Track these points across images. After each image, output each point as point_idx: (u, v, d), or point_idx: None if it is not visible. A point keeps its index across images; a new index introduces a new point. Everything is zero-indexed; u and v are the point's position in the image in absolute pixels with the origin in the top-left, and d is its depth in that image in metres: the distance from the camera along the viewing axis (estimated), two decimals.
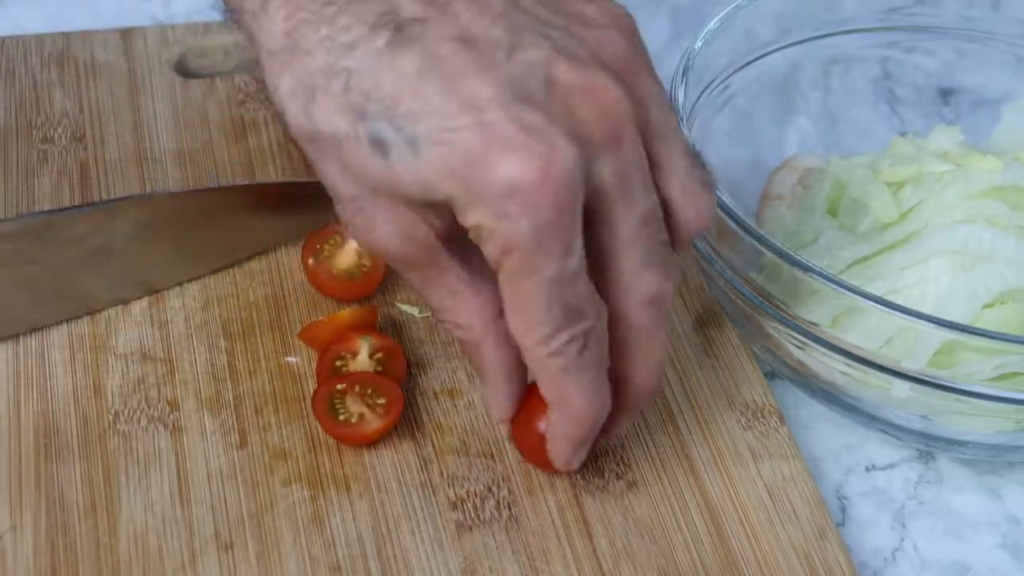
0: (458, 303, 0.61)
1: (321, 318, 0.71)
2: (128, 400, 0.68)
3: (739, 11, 0.76)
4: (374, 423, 0.66)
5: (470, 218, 0.56)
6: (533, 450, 0.64)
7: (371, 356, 0.69)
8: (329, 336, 0.69)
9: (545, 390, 0.61)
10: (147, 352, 0.70)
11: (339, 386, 0.67)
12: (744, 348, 0.73)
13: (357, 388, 0.67)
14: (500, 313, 0.60)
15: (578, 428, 0.62)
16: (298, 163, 0.80)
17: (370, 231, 0.60)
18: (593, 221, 0.58)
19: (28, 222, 0.68)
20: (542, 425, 0.63)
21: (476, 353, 0.63)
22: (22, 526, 0.63)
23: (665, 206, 0.59)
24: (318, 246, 0.72)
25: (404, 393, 0.68)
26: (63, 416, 0.67)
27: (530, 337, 0.59)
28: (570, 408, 0.61)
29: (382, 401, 0.66)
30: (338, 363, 0.68)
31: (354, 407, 0.66)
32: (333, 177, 0.60)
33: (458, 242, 0.60)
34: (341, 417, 0.66)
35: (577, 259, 0.57)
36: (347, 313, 0.70)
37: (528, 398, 0.63)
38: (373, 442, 0.66)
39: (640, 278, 0.59)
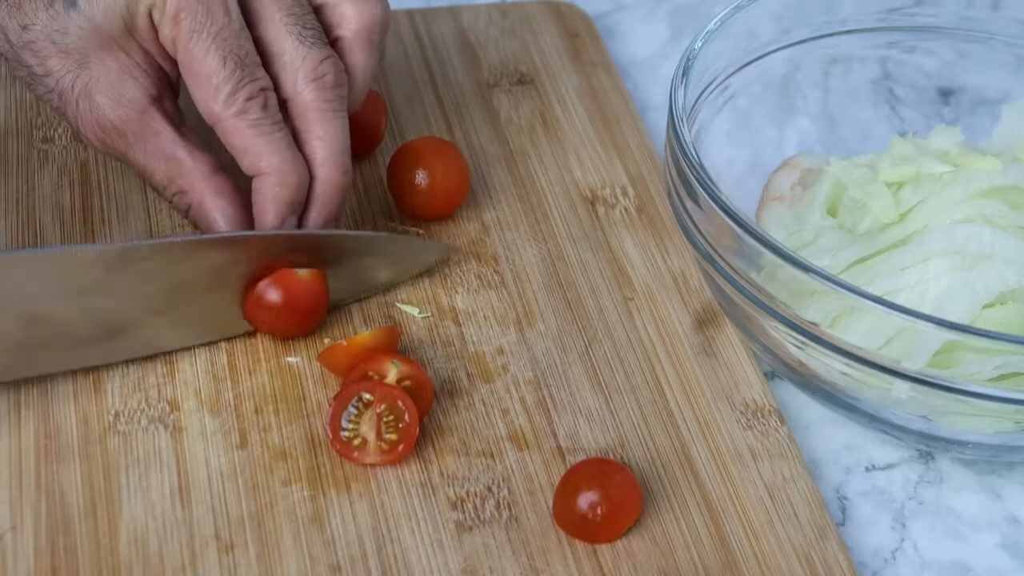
0: (178, 168, 0.69)
1: (340, 341, 0.69)
2: (128, 400, 0.68)
3: (739, 11, 0.76)
4: (372, 456, 0.65)
5: (142, 6, 0.66)
6: (574, 525, 0.64)
7: (398, 382, 0.67)
8: (349, 360, 0.68)
9: (245, 160, 0.68)
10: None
11: (366, 396, 0.66)
12: (744, 348, 0.73)
13: (382, 407, 0.65)
14: (216, 169, 0.69)
15: (286, 189, 0.68)
16: None
17: (89, 107, 0.68)
18: (249, 14, 0.68)
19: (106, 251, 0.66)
20: (581, 502, 0.63)
21: (200, 212, 0.69)
22: (22, 526, 0.63)
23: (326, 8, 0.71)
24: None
25: (419, 434, 0.66)
26: (63, 416, 0.67)
27: (216, 102, 0.67)
28: (274, 170, 0.67)
29: (392, 437, 0.66)
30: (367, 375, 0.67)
31: (365, 428, 0.66)
32: (52, 67, 0.68)
33: (167, 112, 0.69)
34: (345, 433, 0.65)
35: (237, 17, 0.67)
36: (367, 336, 0.69)
37: (567, 480, 0.64)
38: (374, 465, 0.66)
39: (298, 55, 0.68)
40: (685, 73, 0.72)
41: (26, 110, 0.81)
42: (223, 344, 0.71)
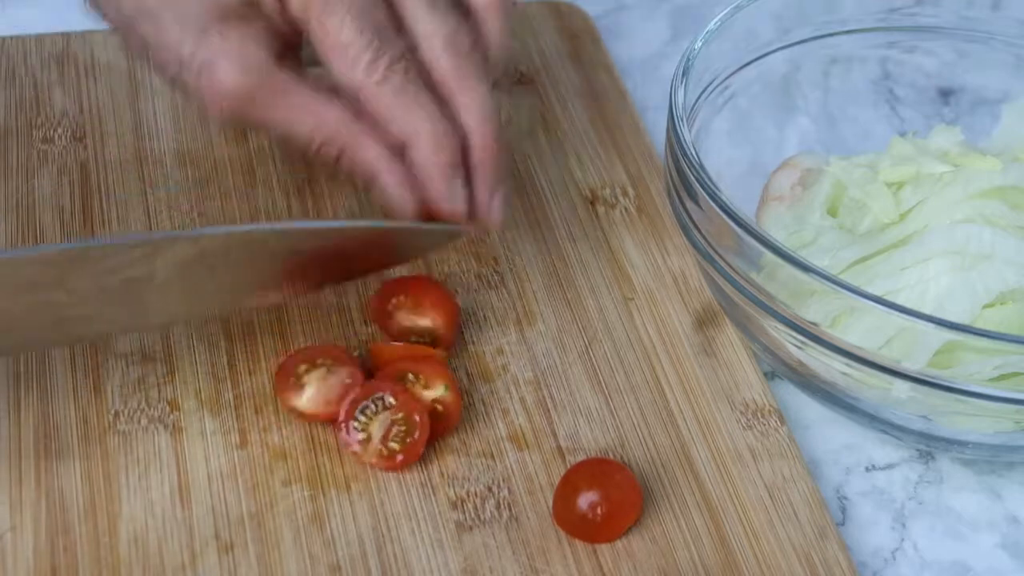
0: (316, 115, 0.66)
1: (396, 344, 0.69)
2: (128, 400, 0.68)
3: (739, 11, 0.76)
4: (370, 455, 0.65)
5: None
6: (574, 525, 0.64)
7: (432, 401, 0.67)
8: (403, 353, 0.68)
9: (394, 128, 0.65)
10: (147, 352, 0.70)
11: (390, 400, 0.66)
12: (744, 348, 0.73)
13: (399, 416, 0.65)
14: (359, 114, 0.66)
15: (441, 152, 0.66)
16: (297, 163, 0.80)
17: (213, 77, 0.65)
18: None
19: (65, 251, 0.63)
20: (581, 502, 0.63)
21: (356, 151, 0.66)
22: (22, 526, 0.63)
23: None
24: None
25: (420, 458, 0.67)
26: (63, 416, 0.67)
27: (357, 71, 0.65)
28: (428, 134, 0.66)
29: (395, 446, 0.65)
30: (407, 377, 0.68)
31: (375, 428, 0.66)
32: (172, 38, 0.66)
33: (292, 68, 0.67)
34: (355, 424, 0.66)
35: None
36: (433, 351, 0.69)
37: (567, 479, 0.64)
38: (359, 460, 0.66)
39: (431, 23, 0.67)
40: (685, 73, 0.72)
41: (26, 110, 0.81)
42: (223, 344, 0.71)
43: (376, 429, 0.65)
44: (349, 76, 0.65)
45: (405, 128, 0.66)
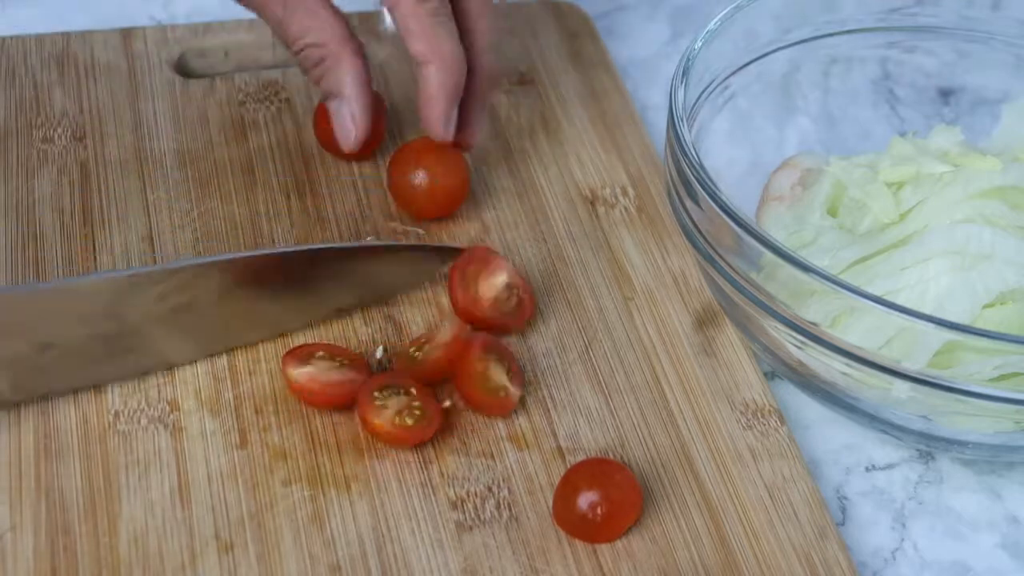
0: (318, 21, 0.71)
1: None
2: (128, 400, 0.68)
3: (739, 11, 0.76)
4: (384, 421, 0.66)
5: None
6: (574, 525, 0.64)
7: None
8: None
9: (419, 45, 0.71)
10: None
11: (412, 389, 0.67)
12: (744, 348, 0.73)
13: (416, 404, 0.66)
14: (353, 33, 0.72)
15: (451, 75, 0.72)
16: (297, 163, 0.80)
17: None
18: None
19: (113, 279, 0.66)
20: (581, 502, 0.63)
21: (337, 67, 0.72)
22: (22, 526, 0.63)
23: None
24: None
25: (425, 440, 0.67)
26: (63, 416, 0.67)
27: None
28: (444, 56, 0.71)
29: (409, 422, 0.66)
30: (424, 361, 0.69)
31: (391, 402, 0.66)
32: None
33: None
34: (376, 396, 0.66)
35: None
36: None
37: (567, 479, 0.64)
38: (373, 432, 0.66)
39: None
40: (685, 73, 0.72)
41: (26, 110, 0.81)
42: None
43: (393, 404, 0.66)
44: None
45: (430, 46, 0.71)
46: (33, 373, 0.66)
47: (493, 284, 0.72)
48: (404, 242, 0.76)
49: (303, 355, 0.68)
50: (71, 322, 0.65)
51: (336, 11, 0.73)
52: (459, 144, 0.76)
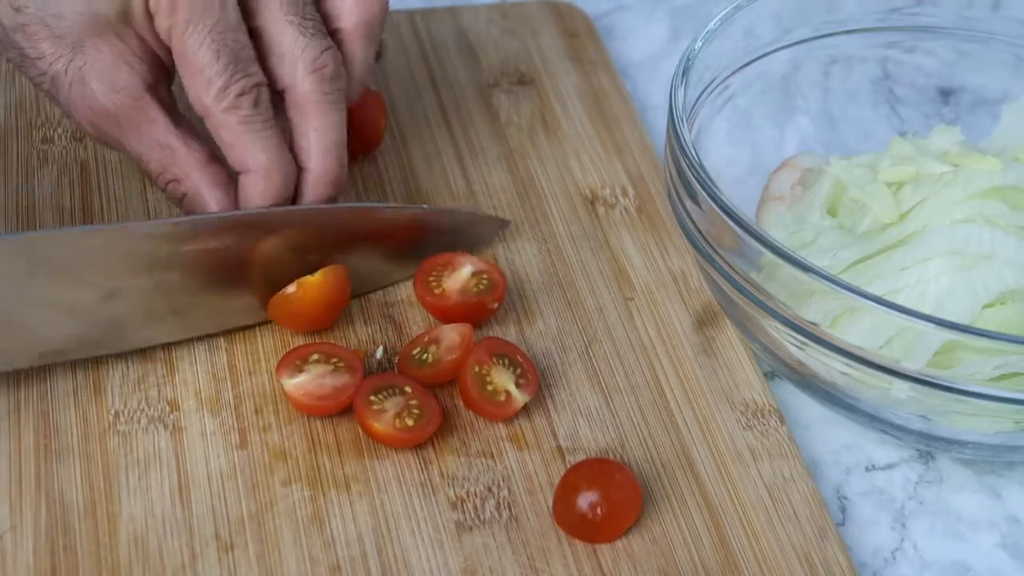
0: (172, 156, 0.69)
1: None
2: (128, 400, 0.68)
3: (739, 11, 0.76)
4: (379, 425, 0.66)
5: None
6: (574, 525, 0.64)
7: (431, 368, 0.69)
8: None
9: (233, 155, 0.68)
10: (147, 352, 0.70)
11: (407, 388, 0.67)
12: (744, 348, 0.73)
13: (414, 402, 0.67)
14: (210, 159, 0.69)
15: (271, 187, 0.68)
16: None
17: (83, 91, 0.68)
18: (248, 4, 0.68)
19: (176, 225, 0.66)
20: (581, 502, 0.63)
21: (195, 201, 0.70)
22: (22, 526, 0.63)
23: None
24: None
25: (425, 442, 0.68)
26: (63, 416, 0.67)
27: (207, 95, 0.67)
28: (260, 167, 0.68)
29: (410, 423, 0.66)
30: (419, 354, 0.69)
31: (389, 405, 0.66)
32: (45, 50, 0.67)
33: (162, 99, 0.69)
34: (373, 400, 0.66)
35: (234, 12, 0.67)
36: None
37: (567, 479, 0.64)
38: (373, 436, 0.67)
39: (297, 46, 0.68)
40: (685, 73, 0.72)
41: (26, 110, 0.81)
42: (223, 344, 0.71)
43: (390, 406, 0.66)
44: (200, 100, 0.68)
45: (242, 158, 0.68)
46: (98, 324, 0.66)
47: (459, 277, 0.72)
48: (459, 207, 0.78)
49: (297, 359, 0.68)
50: (137, 268, 0.65)
51: (191, 139, 0.70)
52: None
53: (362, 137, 0.78)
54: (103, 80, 0.68)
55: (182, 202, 0.71)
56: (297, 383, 0.67)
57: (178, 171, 0.69)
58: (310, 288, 0.69)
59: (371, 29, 0.72)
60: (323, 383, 0.67)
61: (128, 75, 0.68)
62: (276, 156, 0.68)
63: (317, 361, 0.68)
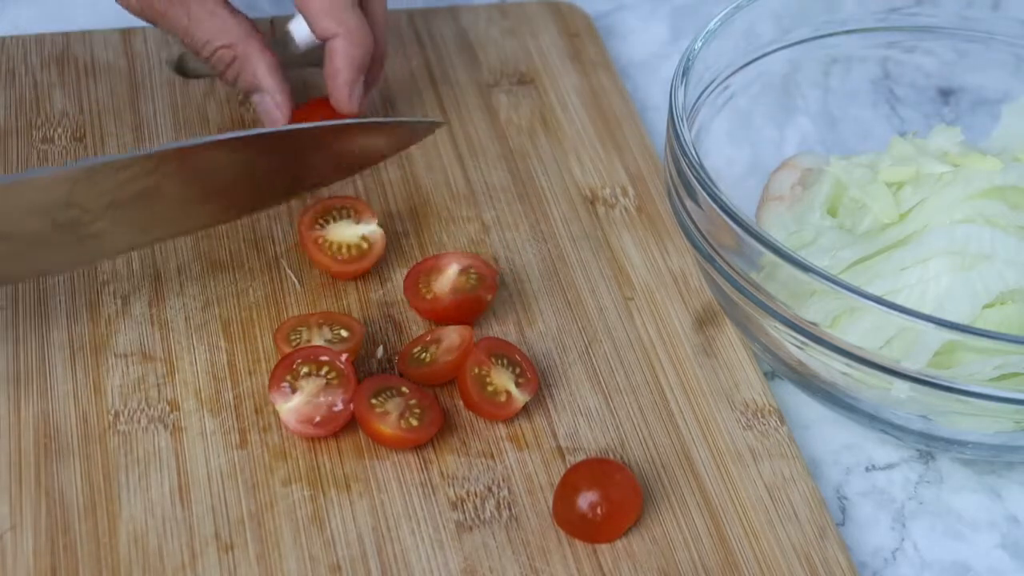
0: (220, 22, 0.74)
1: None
2: (128, 400, 0.68)
3: (739, 11, 0.76)
4: (385, 428, 0.66)
5: None
6: (574, 525, 0.64)
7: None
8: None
9: (325, 20, 0.74)
10: (147, 352, 0.70)
11: (404, 388, 0.67)
12: (744, 348, 0.73)
13: (413, 402, 0.67)
14: (256, 30, 0.75)
15: (358, 47, 0.75)
16: None
17: None
18: None
19: (76, 170, 0.66)
20: (581, 502, 0.63)
21: (248, 64, 0.75)
22: (22, 526, 0.63)
23: None
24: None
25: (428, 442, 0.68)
26: (63, 416, 0.67)
27: None
28: (352, 28, 0.74)
29: (414, 422, 0.66)
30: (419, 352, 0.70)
31: (390, 406, 0.66)
32: None
33: None
34: (375, 403, 0.66)
35: None
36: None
37: (567, 479, 0.64)
38: (380, 439, 0.67)
39: None
40: (685, 73, 0.72)
41: (26, 110, 0.81)
42: (223, 344, 0.71)
43: (392, 408, 0.66)
44: None
45: (336, 20, 0.74)
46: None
47: (447, 277, 0.72)
48: (383, 118, 0.80)
49: (288, 375, 0.67)
50: (25, 214, 0.66)
51: (237, 12, 0.75)
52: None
53: None
54: None
55: (229, 68, 0.75)
56: (291, 407, 0.66)
57: (230, 36, 0.74)
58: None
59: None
60: (318, 403, 0.66)
61: None
62: (364, 21, 0.75)
63: (308, 375, 0.67)
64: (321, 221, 0.74)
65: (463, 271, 0.72)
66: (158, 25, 0.75)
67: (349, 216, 0.74)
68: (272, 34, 0.82)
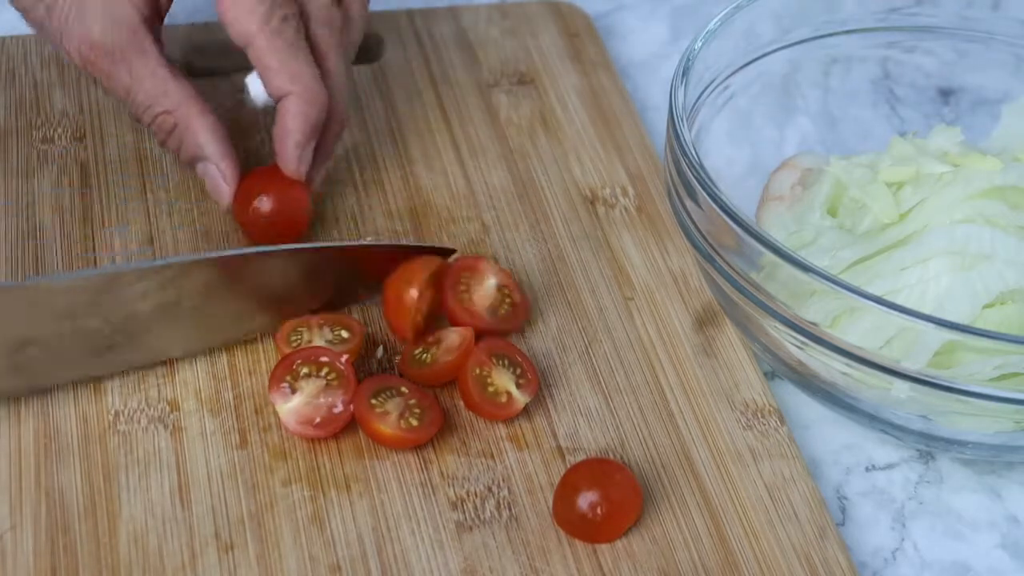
0: (164, 86, 0.71)
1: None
2: (128, 400, 0.68)
3: (739, 11, 0.76)
4: (386, 428, 0.66)
5: None
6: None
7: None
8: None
9: (277, 79, 0.70)
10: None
11: (403, 388, 0.67)
12: (744, 348, 0.73)
13: (414, 401, 0.67)
14: (198, 93, 0.71)
15: (311, 106, 0.70)
16: None
17: (78, 22, 0.69)
18: None
19: (91, 279, 0.65)
20: (581, 502, 0.63)
21: (189, 130, 0.71)
22: (22, 526, 0.63)
23: None
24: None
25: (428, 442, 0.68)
26: (63, 416, 0.67)
27: (252, 21, 0.69)
28: (306, 85, 0.70)
29: (415, 422, 0.66)
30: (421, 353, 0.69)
31: (390, 406, 0.66)
32: None
33: (155, 34, 0.71)
34: (375, 403, 0.66)
35: None
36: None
37: (567, 479, 0.64)
38: (381, 439, 0.66)
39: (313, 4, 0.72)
40: (685, 73, 0.72)
41: (26, 110, 0.81)
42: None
43: (392, 408, 0.66)
44: (245, 27, 0.69)
45: (290, 76, 0.70)
46: (12, 372, 0.65)
47: (486, 291, 0.71)
48: (399, 242, 0.76)
49: (288, 375, 0.67)
50: (50, 319, 0.65)
51: (179, 75, 0.72)
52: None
53: (289, 222, 0.74)
54: (101, 11, 0.69)
55: (170, 136, 0.72)
56: (291, 408, 0.66)
57: (168, 102, 0.71)
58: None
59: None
60: (318, 404, 0.66)
61: (126, 7, 0.70)
62: (318, 78, 0.71)
63: (308, 376, 0.67)
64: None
65: (499, 289, 0.72)
66: (104, 86, 0.72)
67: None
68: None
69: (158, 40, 0.72)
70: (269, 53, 0.70)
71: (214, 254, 0.67)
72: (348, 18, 0.75)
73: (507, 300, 0.72)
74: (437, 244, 0.75)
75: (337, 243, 0.73)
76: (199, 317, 0.68)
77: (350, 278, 0.72)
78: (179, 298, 0.67)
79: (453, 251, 0.73)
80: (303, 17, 0.72)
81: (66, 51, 0.71)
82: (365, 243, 0.73)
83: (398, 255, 0.71)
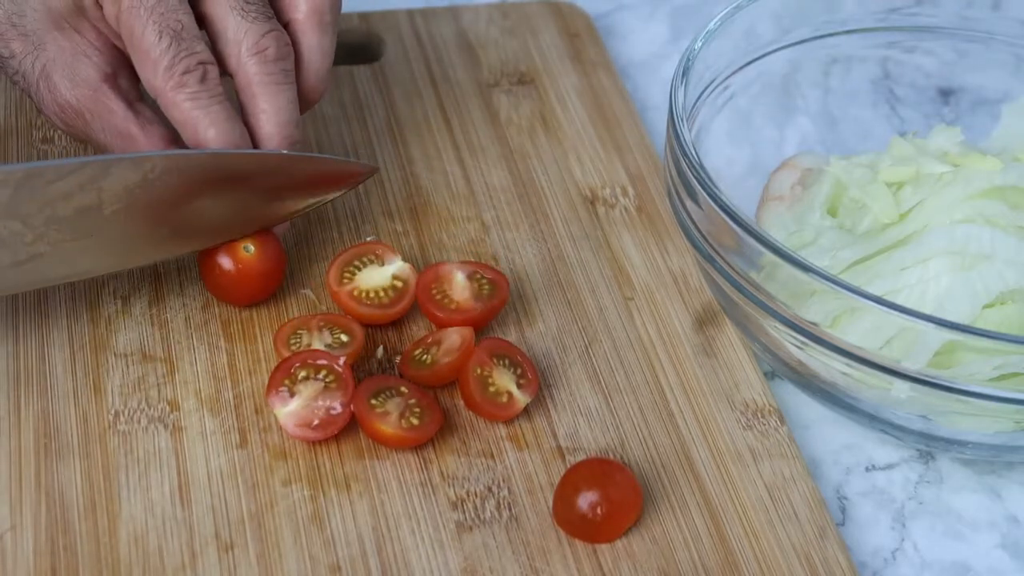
0: (133, 144, 0.69)
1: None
2: (128, 400, 0.68)
3: (739, 11, 0.76)
4: (387, 427, 0.66)
5: None
6: (574, 525, 0.64)
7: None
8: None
9: (186, 133, 0.68)
10: (147, 352, 0.70)
11: (403, 388, 0.67)
12: (744, 348, 0.73)
13: (413, 400, 0.67)
14: (171, 142, 0.69)
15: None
16: None
17: (48, 87, 0.69)
18: None
19: (12, 172, 0.64)
20: (581, 502, 0.63)
21: None
22: (22, 526, 0.63)
23: None
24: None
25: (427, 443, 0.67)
26: (63, 416, 0.67)
27: (155, 76, 0.67)
28: (211, 144, 0.68)
29: (415, 421, 0.66)
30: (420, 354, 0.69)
31: (390, 406, 0.66)
32: (15, 49, 0.69)
33: (121, 88, 0.70)
34: (374, 403, 0.66)
35: None
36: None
37: (567, 479, 0.64)
38: (381, 439, 0.67)
39: (240, 29, 0.69)
40: (685, 73, 0.72)
41: (26, 110, 0.81)
42: (223, 344, 0.71)
43: (392, 407, 0.66)
44: (150, 83, 0.68)
45: (193, 136, 0.68)
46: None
47: (458, 286, 0.71)
48: (321, 154, 0.75)
49: (285, 379, 0.67)
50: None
51: (151, 123, 0.70)
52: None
53: (263, 281, 0.72)
54: (64, 74, 0.69)
55: None
56: (289, 412, 0.66)
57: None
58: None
59: (323, 17, 0.72)
60: (316, 406, 0.66)
61: (86, 67, 0.70)
62: (226, 130, 0.68)
63: (306, 378, 0.67)
64: (347, 274, 0.72)
65: (471, 277, 0.72)
66: (83, 141, 0.72)
67: (372, 261, 0.72)
68: None
69: (130, 89, 0.71)
70: (173, 108, 0.68)
71: (132, 155, 0.67)
72: (303, 48, 0.71)
73: (483, 281, 0.72)
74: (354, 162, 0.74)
75: (257, 151, 0.71)
76: (120, 227, 0.67)
77: (269, 196, 0.70)
78: (100, 202, 0.66)
79: (376, 169, 0.73)
80: (229, 55, 0.69)
81: (47, 117, 0.71)
82: (284, 152, 0.71)
83: (320, 171, 0.71)
